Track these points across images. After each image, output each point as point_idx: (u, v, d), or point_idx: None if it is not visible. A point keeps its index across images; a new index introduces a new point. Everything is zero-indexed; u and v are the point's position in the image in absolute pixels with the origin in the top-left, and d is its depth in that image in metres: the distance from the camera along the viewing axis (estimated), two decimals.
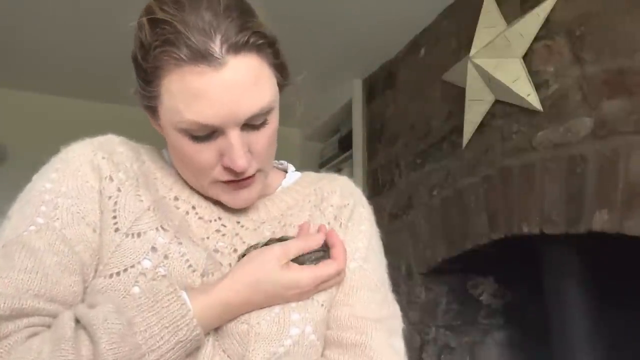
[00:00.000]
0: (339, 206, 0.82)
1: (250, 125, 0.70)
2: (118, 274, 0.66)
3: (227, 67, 0.66)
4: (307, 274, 0.70)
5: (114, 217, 0.69)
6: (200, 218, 0.76)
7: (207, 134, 0.69)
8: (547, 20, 1.66)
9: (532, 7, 1.69)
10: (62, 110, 2.84)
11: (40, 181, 0.71)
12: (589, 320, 1.69)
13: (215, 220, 0.76)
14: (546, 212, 1.60)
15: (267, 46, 0.70)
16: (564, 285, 1.74)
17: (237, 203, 0.75)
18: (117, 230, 0.69)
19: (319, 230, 0.77)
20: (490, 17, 1.86)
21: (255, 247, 0.72)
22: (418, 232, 2.23)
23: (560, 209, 1.56)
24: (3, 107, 2.76)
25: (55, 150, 0.75)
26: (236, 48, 0.66)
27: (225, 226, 0.76)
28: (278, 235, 0.76)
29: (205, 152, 0.70)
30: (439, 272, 2.16)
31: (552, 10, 1.65)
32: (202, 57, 0.65)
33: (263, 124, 0.71)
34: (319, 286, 0.71)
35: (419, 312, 2.20)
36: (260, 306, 0.69)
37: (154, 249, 0.68)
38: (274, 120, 0.73)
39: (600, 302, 1.71)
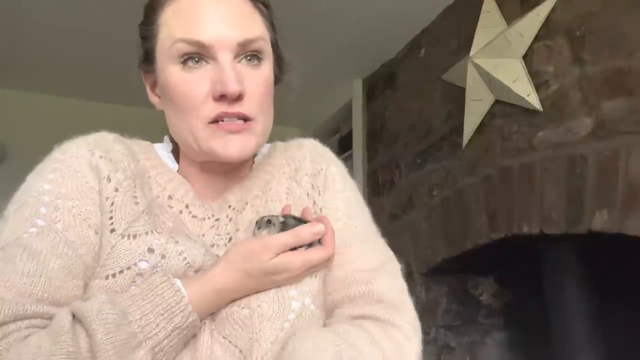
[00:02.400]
0: (313, 174, 0.82)
1: (243, 61, 0.71)
2: (114, 275, 0.66)
3: None
4: (298, 258, 0.70)
5: (110, 218, 0.69)
6: (194, 217, 0.75)
7: (199, 62, 0.70)
8: (547, 20, 1.66)
9: (532, 7, 1.69)
10: (62, 110, 2.84)
11: (37, 182, 0.69)
12: (589, 320, 1.69)
13: (208, 217, 0.76)
14: (546, 212, 1.60)
15: (262, 3, 0.74)
16: (564, 285, 1.74)
17: (230, 150, 0.71)
18: (112, 230, 0.68)
19: (302, 213, 0.77)
20: (490, 17, 1.86)
21: (269, 219, 0.72)
22: (418, 232, 2.23)
23: (560, 209, 1.56)
24: (3, 107, 2.76)
25: None
26: None
27: (218, 220, 0.76)
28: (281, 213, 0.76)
29: (197, 83, 0.70)
30: (439, 272, 2.16)
31: (552, 10, 1.65)
32: None
33: (256, 65, 0.72)
34: (309, 270, 0.72)
35: (419, 312, 2.19)
36: (253, 290, 0.69)
37: (150, 250, 0.68)
38: (267, 68, 0.74)
39: (600, 302, 1.71)
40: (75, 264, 0.65)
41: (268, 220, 0.72)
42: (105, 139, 0.76)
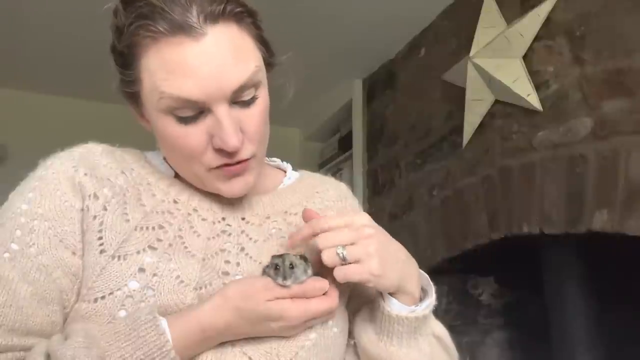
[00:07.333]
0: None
1: (240, 102, 0.67)
2: (103, 297, 0.64)
3: (206, 37, 0.63)
4: (297, 307, 0.65)
5: (100, 238, 0.66)
6: (203, 220, 0.73)
7: (194, 114, 0.65)
8: (547, 20, 1.66)
9: (532, 7, 1.69)
10: (62, 110, 2.84)
11: (16, 201, 0.68)
12: (589, 320, 1.69)
13: (219, 221, 0.73)
14: (546, 212, 1.60)
15: (247, 15, 0.68)
16: (564, 285, 1.74)
17: (233, 191, 0.71)
18: (102, 252, 0.65)
19: (305, 213, 0.72)
20: (490, 17, 1.86)
21: (278, 257, 0.67)
22: (418, 232, 2.23)
23: (560, 209, 1.56)
24: (3, 107, 2.76)
25: (55, 151, 0.73)
26: (214, 17, 0.64)
27: (230, 225, 0.74)
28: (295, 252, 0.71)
29: (194, 135, 0.66)
30: (439, 272, 2.16)
31: (552, 10, 1.65)
32: (180, 27, 0.62)
33: (253, 100, 0.68)
34: (307, 322, 0.67)
35: None
36: (244, 335, 0.65)
37: (141, 269, 0.65)
38: (263, 96, 0.70)
39: (600, 302, 1.71)
40: (49, 289, 0.63)
41: (278, 256, 0.68)
42: (92, 153, 0.73)
